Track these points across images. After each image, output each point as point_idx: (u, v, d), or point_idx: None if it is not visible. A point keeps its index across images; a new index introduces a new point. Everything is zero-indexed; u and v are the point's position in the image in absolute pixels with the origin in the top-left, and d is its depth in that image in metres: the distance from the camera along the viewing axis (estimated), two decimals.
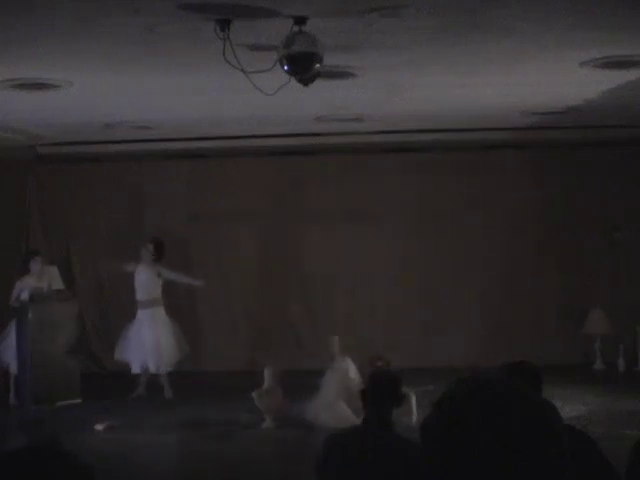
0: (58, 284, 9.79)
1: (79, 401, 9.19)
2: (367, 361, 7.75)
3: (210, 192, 11.18)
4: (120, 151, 10.82)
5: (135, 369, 9.52)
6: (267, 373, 8.13)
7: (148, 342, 9.42)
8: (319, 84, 5.59)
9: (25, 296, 9.10)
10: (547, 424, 1.37)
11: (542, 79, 7.12)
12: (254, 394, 8.01)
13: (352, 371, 8.05)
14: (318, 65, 5.06)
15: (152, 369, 9.50)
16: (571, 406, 8.06)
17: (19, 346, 9.02)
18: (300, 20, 4.90)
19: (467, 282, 11.01)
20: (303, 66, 5.03)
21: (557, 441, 1.36)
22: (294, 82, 5.29)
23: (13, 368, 9.20)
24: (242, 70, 5.16)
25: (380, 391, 3.71)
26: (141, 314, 9.58)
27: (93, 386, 9.56)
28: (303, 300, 11.28)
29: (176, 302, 11.03)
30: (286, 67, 5.01)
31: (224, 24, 4.97)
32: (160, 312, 9.63)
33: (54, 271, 9.86)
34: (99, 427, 8.16)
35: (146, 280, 9.64)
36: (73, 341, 9.46)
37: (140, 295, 9.64)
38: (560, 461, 1.37)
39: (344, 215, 11.15)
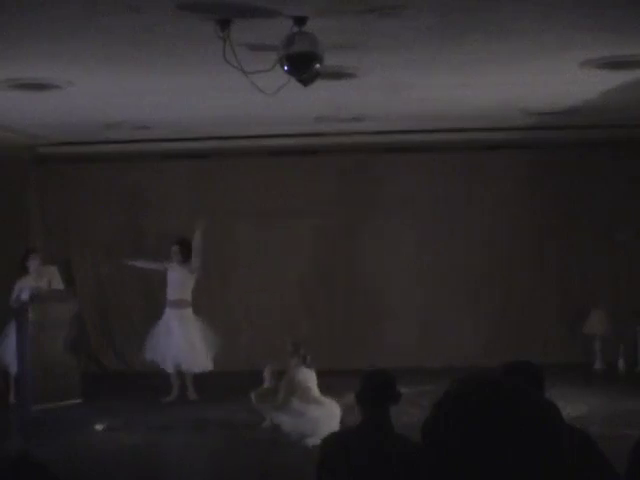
0: (58, 284, 9.79)
1: (79, 401, 9.19)
2: (286, 349, 7.78)
3: (210, 192, 11.17)
4: (120, 151, 10.82)
5: (168, 368, 9.41)
6: (267, 373, 8.13)
7: (180, 342, 9.32)
8: (319, 84, 5.59)
9: (25, 296, 9.10)
10: (548, 424, 1.37)
11: (542, 79, 7.12)
12: (253, 394, 8.00)
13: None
14: (318, 65, 5.06)
15: (184, 369, 9.42)
16: (571, 406, 8.05)
17: (19, 346, 9.02)
18: (300, 20, 4.90)
19: (467, 282, 11.02)
20: (303, 66, 5.03)
21: (558, 441, 1.36)
22: (294, 82, 5.29)
23: (13, 368, 9.21)
24: (242, 70, 5.16)
25: (377, 391, 3.71)
26: (170, 313, 9.49)
27: (93, 386, 9.57)
28: (303, 300, 11.27)
29: None
30: (286, 67, 5.01)
31: (224, 24, 4.98)
32: (189, 313, 9.56)
33: (54, 271, 9.86)
34: (99, 427, 8.16)
35: (177, 280, 9.54)
36: (73, 341, 9.46)
37: (171, 294, 9.56)
38: (561, 461, 1.37)
39: (344, 215, 11.15)
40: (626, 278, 10.87)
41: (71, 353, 9.38)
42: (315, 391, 7.66)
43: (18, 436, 8.42)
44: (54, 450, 7.08)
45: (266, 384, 8.08)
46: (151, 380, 9.69)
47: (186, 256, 9.59)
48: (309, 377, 7.68)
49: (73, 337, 9.47)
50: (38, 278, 9.45)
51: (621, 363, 10.37)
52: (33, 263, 9.45)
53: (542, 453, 1.34)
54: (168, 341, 9.37)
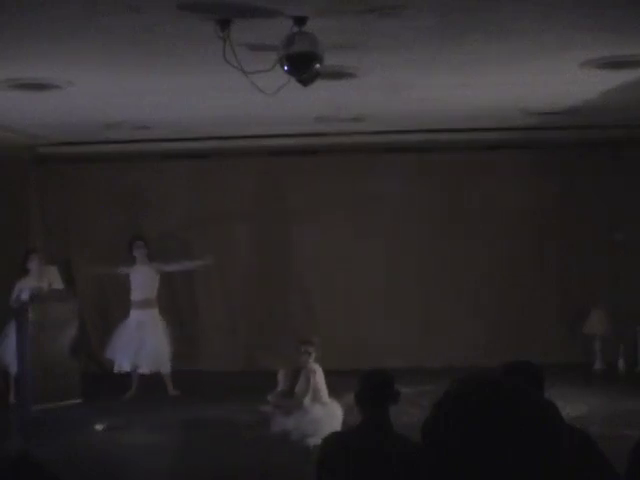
0: (58, 284, 9.80)
1: (79, 401, 9.19)
2: (295, 348, 7.72)
3: (210, 192, 11.18)
4: (120, 151, 10.82)
5: (124, 368, 9.52)
6: (281, 375, 8.02)
7: (149, 343, 9.43)
8: (319, 84, 5.59)
9: (25, 296, 9.10)
10: (548, 424, 1.37)
11: (542, 79, 7.12)
12: (270, 397, 7.92)
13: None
14: (318, 65, 5.06)
15: (153, 369, 9.51)
16: (571, 406, 8.06)
17: (19, 346, 9.02)
18: (300, 20, 4.90)
19: (467, 282, 11.02)
20: (303, 66, 5.03)
21: (558, 441, 1.36)
22: (294, 82, 5.29)
23: (13, 368, 9.21)
24: (242, 70, 5.16)
25: (376, 391, 3.72)
26: (137, 314, 9.60)
27: (93, 386, 9.57)
28: (302, 300, 11.27)
29: (176, 302, 11.04)
30: (286, 67, 5.01)
31: (224, 24, 4.98)
32: (155, 313, 9.68)
33: (54, 271, 9.87)
34: (99, 427, 8.16)
35: (143, 280, 9.66)
36: (73, 341, 9.46)
37: (136, 295, 9.66)
38: (561, 461, 1.37)
39: (344, 215, 11.15)
40: (626, 278, 10.87)
41: (71, 353, 9.38)
42: (323, 391, 7.63)
43: (18, 436, 8.43)
44: (54, 450, 7.08)
45: (280, 386, 7.98)
46: (151, 380, 9.69)
47: (151, 254, 9.64)
48: (320, 376, 7.66)
49: (73, 337, 9.47)
50: (39, 279, 9.45)
51: (621, 363, 10.37)
52: (34, 264, 9.46)
53: (542, 453, 1.34)
54: (139, 342, 9.43)
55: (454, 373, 3.34)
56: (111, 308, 11.32)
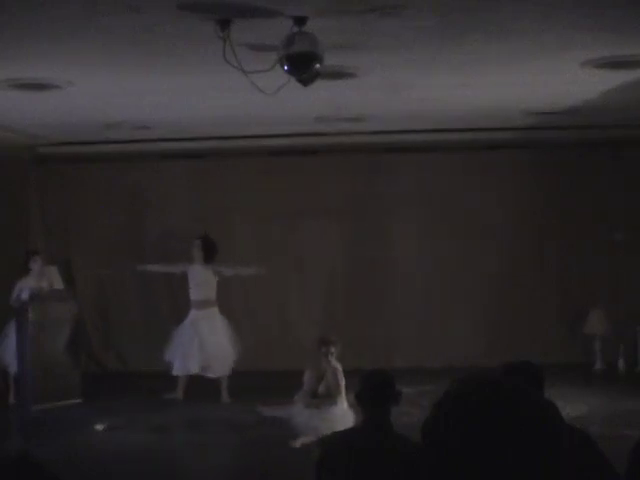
0: (58, 284, 9.79)
1: (79, 401, 9.19)
2: (315, 347, 7.66)
3: (210, 192, 11.18)
4: (120, 151, 10.82)
5: (188, 371, 9.20)
6: (307, 377, 7.95)
7: (210, 345, 9.14)
8: (319, 84, 5.59)
9: (25, 296, 9.10)
10: (548, 424, 1.37)
11: (542, 79, 7.13)
12: (297, 397, 7.85)
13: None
14: (318, 65, 5.06)
15: (217, 373, 9.23)
16: (571, 406, 8.06)
17: (19, 346, 9.02)
18: (300, 20, 4.90)
19: (467, 282, 11.01)
20: (303, 66, 5.03)
21: (558, 441, 1.36)
22: (294, 82, 5.30)
23: (13, 368, 9.21)
24: (242, 70, 5.16)
25: (377, 391, 3.72)
26: (196, 315, 9.28)
27: (93, 386, 9.57)
28: (303, 300, 11.27)
29: (177, 302, 11.03)
30: (286, 67, 5.01)
31: (224, 24, 4.98)
32: (216, 312, 9.40)
33: (54, 271, 9.86)
34: (99, 427, 8.16)
35: (201, 279, 9.37)
36: (73, 341, 9.45)
37: (195, 295, 9.37)
38: (561, 461, 1.37)
39: (344, 215, 11.15)
40: (626, 278, 10.87)
41: (71, 353, 9.38)
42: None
43: (18, 436, 8.43)
44: (54, 450, 7.08)
45: (306, 386, 7.91)
46: (151, 380, 9.69)
47: (208, 254, 9.44)
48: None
49: (73, 337, 9.46)
50: (39, 279, 9.45)
51: (621, 363, 10.37)
52: (34, 265, 9.45)
53: (542, 453, 1.34)
54: (195, 344, 9.13)
55: (454, 373, 3.35)
56: (111, 308, 11.34)
